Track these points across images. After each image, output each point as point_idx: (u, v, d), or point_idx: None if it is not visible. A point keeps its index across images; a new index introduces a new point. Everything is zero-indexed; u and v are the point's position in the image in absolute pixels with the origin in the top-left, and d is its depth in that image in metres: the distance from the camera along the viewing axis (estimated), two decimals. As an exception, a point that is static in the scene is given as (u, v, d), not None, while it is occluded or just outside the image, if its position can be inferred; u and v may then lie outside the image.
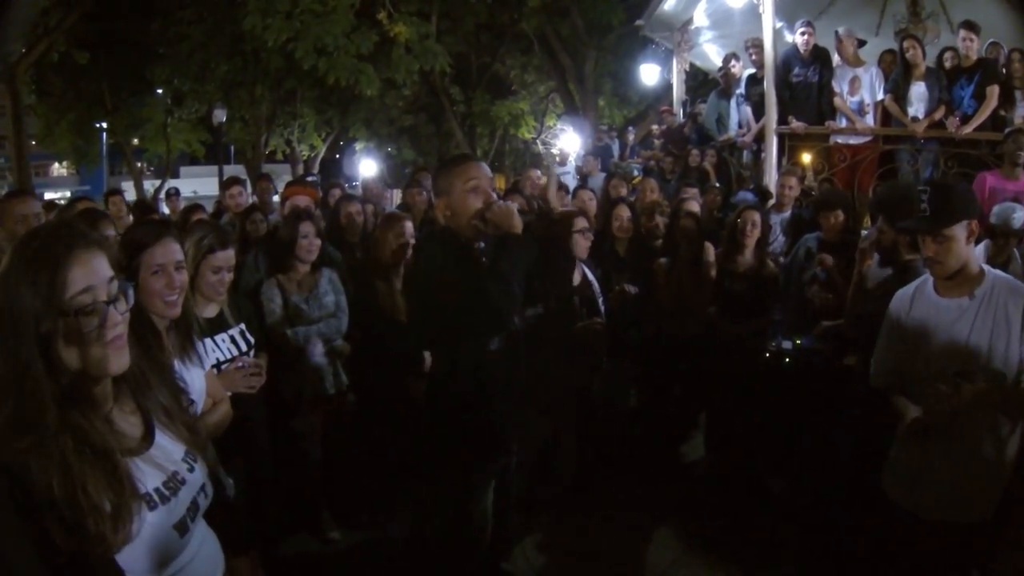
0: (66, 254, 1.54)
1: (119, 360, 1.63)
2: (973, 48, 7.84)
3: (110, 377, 1.66)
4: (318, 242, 4.61)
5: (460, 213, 3.13)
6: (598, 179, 10.70)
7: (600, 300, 4.88)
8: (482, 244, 3.20)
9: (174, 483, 1.74)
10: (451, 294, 3.03)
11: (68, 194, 31.63)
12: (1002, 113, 7.81)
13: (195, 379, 2.73)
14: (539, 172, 8.66)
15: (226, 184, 7.88)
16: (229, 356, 3.47)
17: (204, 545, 1.86)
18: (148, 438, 1.75)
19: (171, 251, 2.62)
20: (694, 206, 6.20)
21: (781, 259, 5.99)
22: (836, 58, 8.62)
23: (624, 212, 5.87)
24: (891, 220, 4.13)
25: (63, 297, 1.53)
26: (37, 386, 1.50)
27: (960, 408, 2.76)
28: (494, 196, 3.16)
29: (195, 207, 6.96)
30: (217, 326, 3.50)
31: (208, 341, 3.37)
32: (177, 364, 2.59)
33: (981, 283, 2.96)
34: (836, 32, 8.61)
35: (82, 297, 1.55)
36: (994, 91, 7.67)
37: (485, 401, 3.19)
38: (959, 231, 2.92)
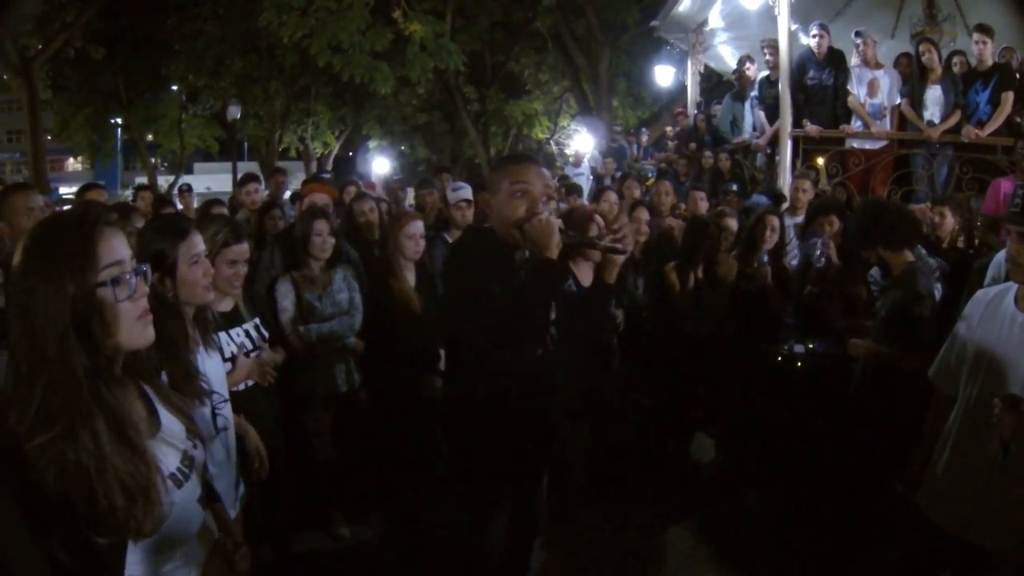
0: (97, 229, 1.60)
1: (146, 333, 1.70)
2: (987, 51, 7.80)
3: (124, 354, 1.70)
4: (332, 240, 4.62)
5: (502, 215, 2.93)
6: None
7: (612, 302, 4.87)
8: (526, 253, 2.97)
9: (188, 461, 1.80)
10: (482, 300, 2.81)
11: (82, 188, 31.73)
12: (1018, 119, 7.77)
13: (216, 367, 2.77)
14: (546, 172, 8.63)
15: (242, 180, 7.89)
16: (244, 350, 3.49)
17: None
18: (155, 419, 1.79)
19: (200, 241, 2.71)
20: (732, 223, 6.07)
21: (794, 263, 5.99)
22: (855, 59, 8.60)
23: (643, 215, 5.87)
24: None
25: (97, 268, 1.58)
26: (71, 364, 1.53)
27: (1006, 435, 2.50)
28: (542, 206, 2.89)
29: (214, 202, 6.97)
30: (232, 320, 3.52)
31: (223, 335, 3.39)
32: (201, 353, 2.64)
33: None
34: (857, 33, 8.58)
35: (112, 269, 1.60)
36: (1009, 97, 7.64)
37: (504, 416, 2.94)
38: None
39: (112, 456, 1.53)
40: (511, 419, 2.95)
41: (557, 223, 2.84)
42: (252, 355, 3.48)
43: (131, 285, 1.63)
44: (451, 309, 3.08)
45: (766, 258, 5.54)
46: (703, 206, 6.64)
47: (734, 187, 8.23)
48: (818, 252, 5.19)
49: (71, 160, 40.67)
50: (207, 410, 2.59)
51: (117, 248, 1.63)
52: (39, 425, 1.49)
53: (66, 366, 1.52)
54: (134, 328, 1.65)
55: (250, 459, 3.01)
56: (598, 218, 4.07)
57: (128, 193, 23.65)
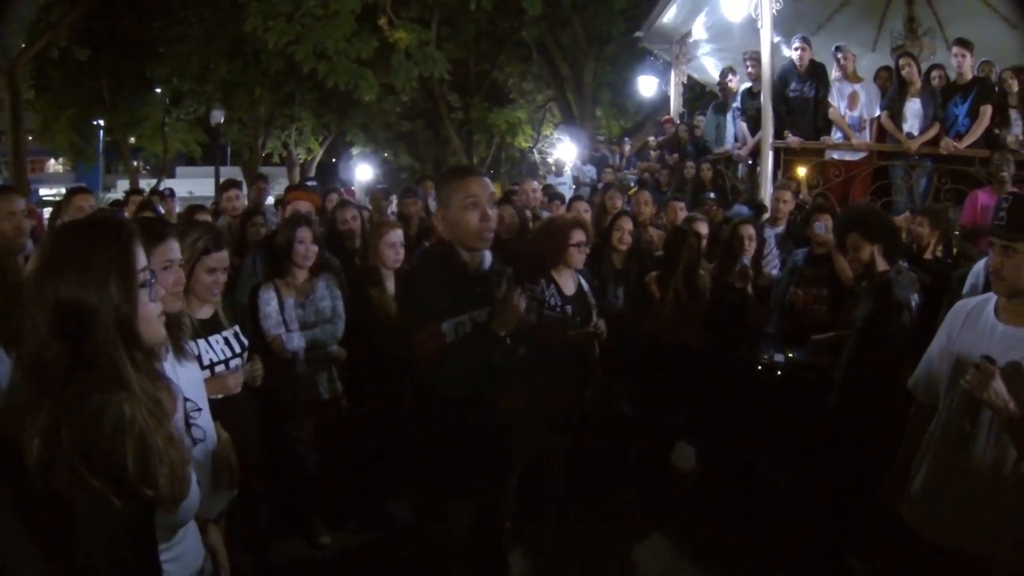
0: (131, 239, 1.78)
1: (162, 331, 1.89)
2: (966, 64, 7.92)
3: None
4: (315, 248, 4.61)
5: (457, 228, 3.10)
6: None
7: (595, 311, 4.89)
8: (484, 265, 3.19)
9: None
10: (441, 313, 3.01)
11: (63, 191, 31.49)
12: (996, 132, 7.88)
13: (190, 376, 2.75)
14: (536, 184, 8.65)
15: (223, 187, 7.79)
16: (223, 357, 3.47)
17: None
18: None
19: (177, 248, 2.69)
20: (702, 227, 6.16)
21: (775, 272, 6.04)
22: (836, 72, 8.69)
23: (627, 224, 5.88)
24: (867, 234, 4.08)
25: (136, 272, 1.76)
26: (116, 358, 1.68)
27: (980, 396, 2.55)
28: (492, 212, 3.10)
29: (198, 208, 6.93)
30: (211, 327, 3.51)
31: (202, 342, 3.38)
32: (171, 360, 2.62)
33: None
34: (837, 48, 8.68)
35: (143, 274, 1.79)
36: (987, 110, 7.76)
37: (454, 419, 3.06)
38: None
39: (154, 433, 1.68)
40: (460, 422, 3.05)
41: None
42: (234, 363, 3.47)
43: (156, 289, 1.84)
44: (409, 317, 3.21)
45: (747, 261, 5.58)
46: (682, 216, 6.69)
47: (712, 195, 8.27)
48: (823, 227, 5.25)
49: (52, 162, 40.37)
50: (179, 417, 2.58)
51: (142, 256, 1.80)
52: (106, 387, 1.63)
53: (111, 359, 1.67)
54: (156, 326, 1.85)
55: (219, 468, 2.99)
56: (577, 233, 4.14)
57: (110, 196, 23.51)
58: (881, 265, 4.04)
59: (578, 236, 4.79)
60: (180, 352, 2.78)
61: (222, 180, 8.78)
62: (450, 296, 3.04)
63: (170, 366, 2.61)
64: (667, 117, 13.41)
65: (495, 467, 3.34)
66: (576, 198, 7.85)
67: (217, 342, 3.51)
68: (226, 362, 3.46)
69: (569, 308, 4.72)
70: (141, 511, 1.68)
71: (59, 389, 1.61)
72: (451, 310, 3.02)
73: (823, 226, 5.32)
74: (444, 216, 3.14)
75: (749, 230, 5.67)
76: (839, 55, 8.61)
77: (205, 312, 3.50)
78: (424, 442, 3.19)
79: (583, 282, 4.91)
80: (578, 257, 4.81)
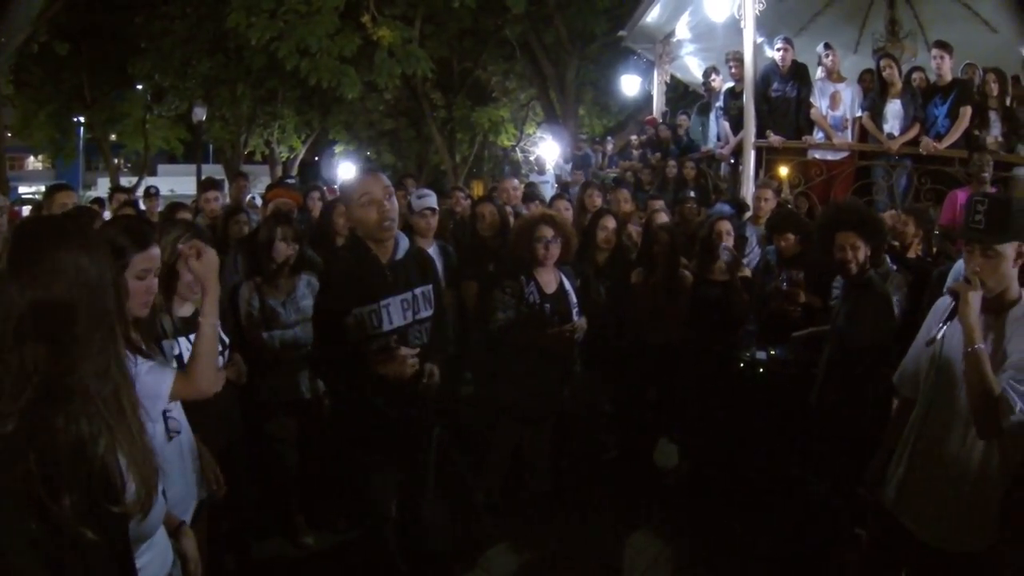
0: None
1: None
2: (945, 66, 7.99)
3: None
4: (295, 246, 4.60)
5: (360, 224, 3.49)
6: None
7: (575, 308, 4.89)
8: (395, 257, 3.54)
9: None
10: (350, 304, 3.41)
11: (43, 188, 31.24)
12: (976, 133, 7.96)
13: (158, 380, 2.71)
14: (516, 182, 8.65)
15: (203, 187, 7.68)
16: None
17: None
18: None
19: (156, 257, 2.65)
20: (664, 217, 6.25)
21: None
22: (820, 72, 8.76)
23: (610, 223, 5.86)
24: (863, 235, 4.11)
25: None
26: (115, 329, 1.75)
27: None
28: (388, 206, 3.43)
29: (178, 206, 6.86)
30: (191, 325, 3.47)
31: (182, 340, 3.35)
32: (142, 363, 2.57)
33: (1015, 306, 2.73)
34: (825, 45, 8.74)
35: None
36: (967, 112, 7.84)
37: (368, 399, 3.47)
38: (1009, 251, 2.70)
39: (124, 432, 1.69)
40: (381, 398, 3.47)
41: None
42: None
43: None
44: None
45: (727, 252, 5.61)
46: (661, 214, 6.70)
47: (691, 194, 8.29)
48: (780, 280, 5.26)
49: (32, 159, 40.02)
50: (156, 417, 2.57)
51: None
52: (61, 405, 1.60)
53: (112, 331, 1.73)
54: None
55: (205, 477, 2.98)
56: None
57: (91, 194, 23.32)
58: (866, 263, 4.08)
59: (542, 231, 4.74)
60: (155, 352, 2.74)
61: (203, 179, 8.69)
62: (361, 286, 3.43)
63: (145, 367, 2.57)
64: (650, 117, 13.45)
65: (412, 436, 3.70)
66: (558, 196, 7.84)
67: (197, 340, 3.48)
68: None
69: (548, 306, 4.71)
70: (112, 525, 1.65)
71: (18, 403, 1.57)
72: (360, 300, 3.42)
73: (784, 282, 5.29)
74: (348, 214, 3.53)
75: (726, 226, 5.71)
76: (827, 52, 8.67)
77: (186, 310, 3.47)
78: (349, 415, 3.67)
79: (565, 280, 4.89)
80: (544, 253, 4.72)
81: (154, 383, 2.50)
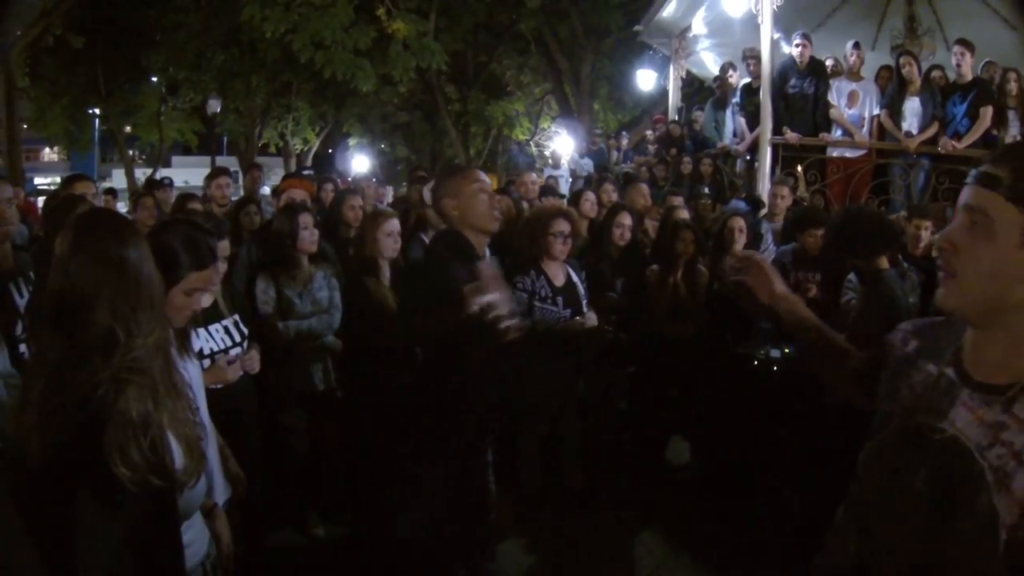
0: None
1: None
2: (965, 64, 7.91)
3: None
4: (317, 233, 4.61)
5: (469, 212, 3.35)
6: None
7: (585, 302, 4.87)
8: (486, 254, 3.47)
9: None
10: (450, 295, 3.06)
11: (58, 180, 31.36)
12: (994, 132, 7.88)
13: (193, 373, 2.72)
14: (535, 176, 8.64)
15: (212, 174, 7.50)
16: (223, 346, 3.46)
17: None
18: None
19: (212, 279, 2.56)
20: (684, 214, 6.22)
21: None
22: (843, 65, 8.71)
23: (626, 219, 5.83)
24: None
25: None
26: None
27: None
28: (496, 199, 3.45)
29: (189, 196, 6.86)
30: (211, 316, 3.50)
31: (202, 331, 3.37)
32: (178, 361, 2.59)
33: None
34: (851, 44, 8.67)
35: None
36: (987, 112, 7.75)
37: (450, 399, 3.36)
38: None
39: (176, 404, 1.81)
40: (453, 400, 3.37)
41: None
42: (233, 352, 3.46)
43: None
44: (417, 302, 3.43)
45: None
46: (682, 211, 6.66)
47: (705, 190, 8.25)
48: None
49: (47, 150, 40.20)
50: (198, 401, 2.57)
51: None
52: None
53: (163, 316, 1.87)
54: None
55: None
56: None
57: (105, 185, 23.42)
58: (881, 264, 4.06)
59: (559, 226, 4.75)
60: (185, 350, 2.74)
61: (212, 168, 8.66)
62: (465, 273, 3.20)
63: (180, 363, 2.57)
64: (659, 116, 13.37)
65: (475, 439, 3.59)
66: (580, 192, 7.80)
67: (217, 331, 3.51)
68: (226, 351, 3.45)
69: (560, 299, 4.71)
70: (160, 496, 1.70)
71: (58, 382, 1.63)
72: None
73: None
74: (456, 205, 3.35)
75: (740, 222, 5.66)
76: (853, 52, 8.60)
77: (205, 300, 3.47)
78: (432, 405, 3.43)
79: (572, 274, 4.89)
80: (559, 248, 4.75)
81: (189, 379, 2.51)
